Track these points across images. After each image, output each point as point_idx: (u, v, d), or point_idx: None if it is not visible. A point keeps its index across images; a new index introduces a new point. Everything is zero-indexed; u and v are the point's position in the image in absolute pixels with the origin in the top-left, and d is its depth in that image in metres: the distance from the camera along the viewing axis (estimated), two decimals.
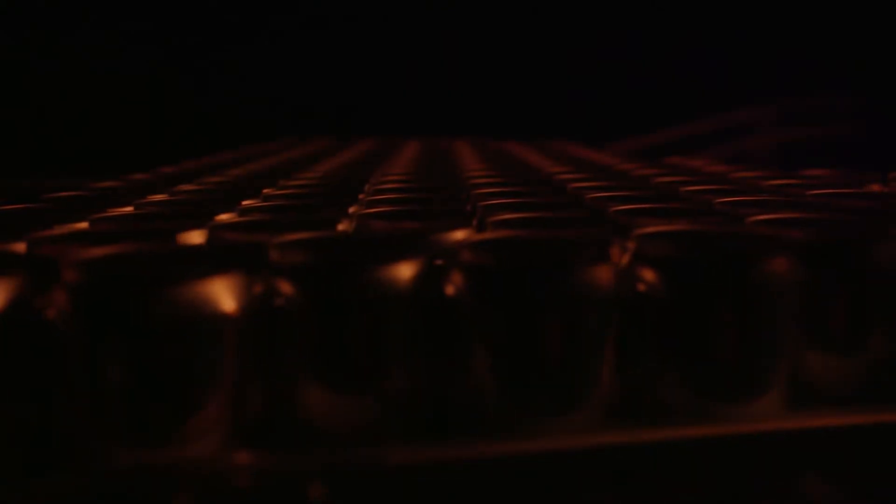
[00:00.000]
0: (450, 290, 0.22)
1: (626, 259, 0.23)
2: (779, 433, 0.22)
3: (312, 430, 0.22)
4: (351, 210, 0.35)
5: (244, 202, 0.37)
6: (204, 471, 0.20)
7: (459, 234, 0.27)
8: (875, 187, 0.45)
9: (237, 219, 0.31)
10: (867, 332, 0.24)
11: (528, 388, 0.22)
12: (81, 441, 0.20)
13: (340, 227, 0.29)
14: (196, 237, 0.27)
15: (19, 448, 0.21)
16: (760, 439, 0.22)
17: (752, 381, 0.23)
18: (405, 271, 0.22)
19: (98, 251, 0.22)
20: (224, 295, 0.21)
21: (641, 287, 0.23)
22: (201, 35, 1.43)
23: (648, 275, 0.23)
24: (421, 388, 0.22)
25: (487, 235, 0.25)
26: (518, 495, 0.21)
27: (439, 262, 0.23)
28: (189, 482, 0.20)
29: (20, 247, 0.25)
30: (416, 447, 0.21)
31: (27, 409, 0.21)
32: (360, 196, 0.40)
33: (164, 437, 0.20)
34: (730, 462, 0.22)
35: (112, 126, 1.39)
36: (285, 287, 0.21)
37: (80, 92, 1.39)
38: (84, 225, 0.31)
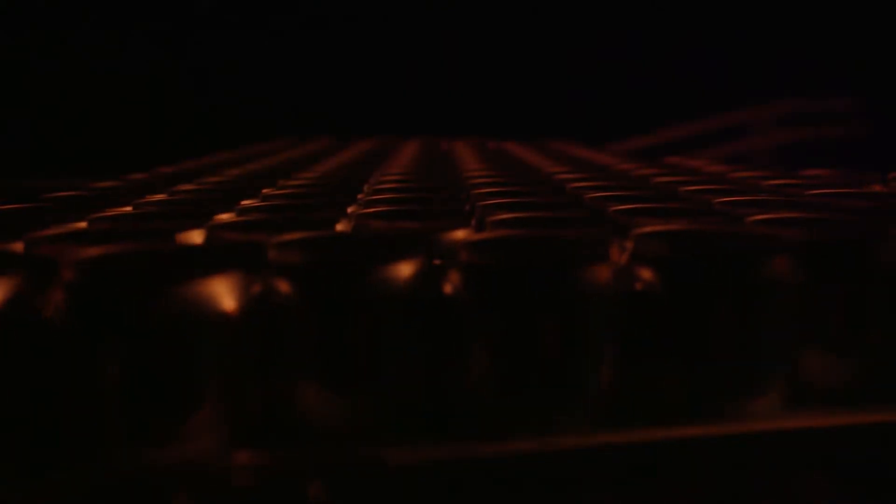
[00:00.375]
0: (449, 289, 0.22)
1: (624, 258, 0.23)
2: (779, 433, 0.22)
3: (312, 429, 0.21)
4: (350, 210, 0.35)
5: (243, 202, 0.37)
6: (204, 470, 0.20)
7: (458, 234, 0.27)
8: (875, 187, 0.45)
9: (236, 219, 0.31)
10: (866, 331, 0.24)
11: (527, 387, 0.22)
12: (81, 441, 0.20)
13: (339, 226, 0.29)
14: (195, 237, 0.27)
15: (19, 448, 0.21)
16: (760, 439, 0.22)
17: (752, 380, 0.23)
18: (404, 271, 0.22)
19: (96, 251, 0.22)
20: (223, 294, 0.20)
21: (640, 286, 0.23)
22: (201, 35, 1.43)
23: (647, 274, 0.23)
24: (420, 388, 0.22)
25: (486, 235, 0.25)
26: (518, 495, 0.21)
27: (438, 261, 0.23)
28: (189, 482, 0.20)
29: (19, 246, 0.25)
30: (416, 447, 0.21)
31: (26, 408, 0.21)
32: (360, 196, 0.40)
33: (163, 436, 0.20)
34: (730, 462, 0.22)
35: (112, 126, 1.39)
36: (284, 287, 0.21)
37: (80, 92, 1.39)
38: (83, 225, 0.31)
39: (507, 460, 0.21)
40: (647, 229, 0.24)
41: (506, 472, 0.21)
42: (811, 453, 0.23)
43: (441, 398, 0.22)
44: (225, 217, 0.32)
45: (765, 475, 0.22)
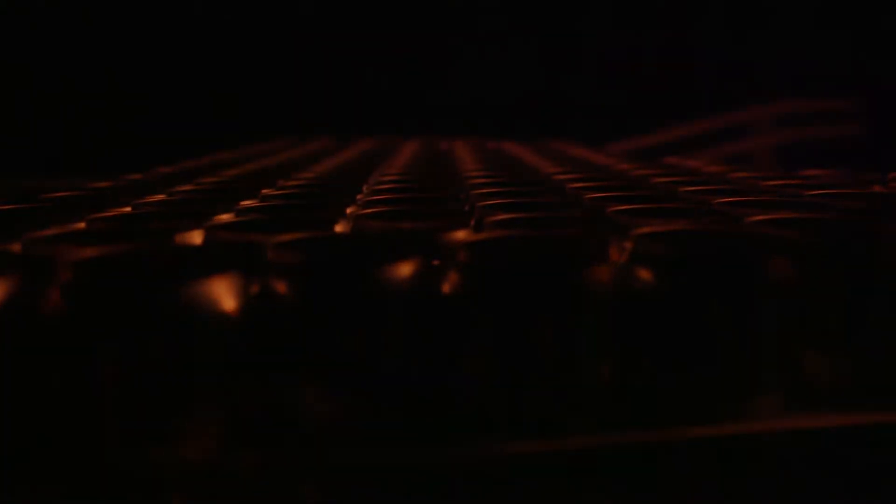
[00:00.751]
0: (448, 290, 0.22)
1: (624, 258, 0.23)
2: (779, 433, 0.22)
3: (311, 429, 0.21)
4: (349, 210, 0.34)
5: (243, 202, 0.37)
6: (203, 471, 0.20)
7: (458, 234, 0.27)
8: (875, 187, 0.45)
9: (235, 219, 0.31)
10: (866, 331, 0.24)
11: (527, 387, 0.22)
12: (81, 441, 0.20)
13: (338, 227, 0.29)
14: (194, 237, 0.27)
15: (19, 448, 0.21)
16: (760, 439, 0.22)
17: (752, 380, 0.23)
18: (403, 271, 0.22)
19: (95, 251, 0.22)
20: (221, 295, 0.20)
21: (640, 286, 0.23)
22: (201, 35, 1.43)
23: (647, 274, 0.23)
24: (419, 388, 0.22)
25: (485, 235, 0.25)
26: (518, 495, 0.21)
27: (437, 262, 0.23)
28: (189, 482, 0.20)
29: (18, 246, 0.25)
30: (416, 447, 0.21)
31: (26, 409, 0.21)
32: (359, 196, 0.40)
33: (162, 436, 0.20)
34: (730, 462, 0.22)
35: (110, 126, 1.39)
36: (283, 287, 0.21)
37: (79, 92, 1.40)
38: (81, 225, 0.31)
39: (507, 460, 0.21)
40: (647, 229, 0.24)
41: (506, 472, 0.21)
42: (811, 453, 0.23)
43: (440, 398, 0.22)
44: (224, 217, 0.32)
45: (765, 475, 0.22)
